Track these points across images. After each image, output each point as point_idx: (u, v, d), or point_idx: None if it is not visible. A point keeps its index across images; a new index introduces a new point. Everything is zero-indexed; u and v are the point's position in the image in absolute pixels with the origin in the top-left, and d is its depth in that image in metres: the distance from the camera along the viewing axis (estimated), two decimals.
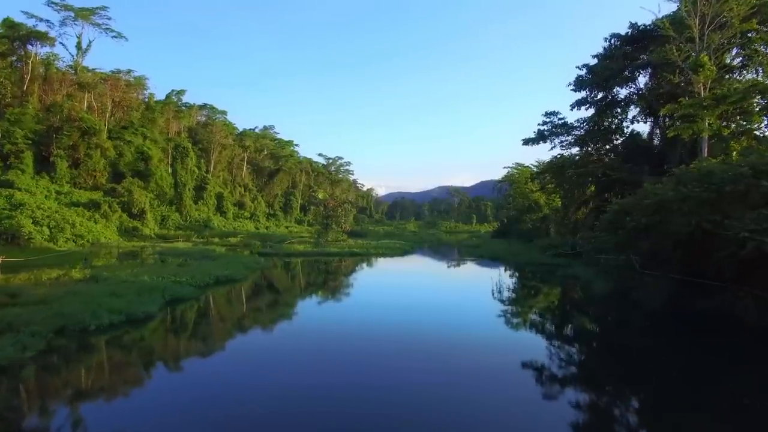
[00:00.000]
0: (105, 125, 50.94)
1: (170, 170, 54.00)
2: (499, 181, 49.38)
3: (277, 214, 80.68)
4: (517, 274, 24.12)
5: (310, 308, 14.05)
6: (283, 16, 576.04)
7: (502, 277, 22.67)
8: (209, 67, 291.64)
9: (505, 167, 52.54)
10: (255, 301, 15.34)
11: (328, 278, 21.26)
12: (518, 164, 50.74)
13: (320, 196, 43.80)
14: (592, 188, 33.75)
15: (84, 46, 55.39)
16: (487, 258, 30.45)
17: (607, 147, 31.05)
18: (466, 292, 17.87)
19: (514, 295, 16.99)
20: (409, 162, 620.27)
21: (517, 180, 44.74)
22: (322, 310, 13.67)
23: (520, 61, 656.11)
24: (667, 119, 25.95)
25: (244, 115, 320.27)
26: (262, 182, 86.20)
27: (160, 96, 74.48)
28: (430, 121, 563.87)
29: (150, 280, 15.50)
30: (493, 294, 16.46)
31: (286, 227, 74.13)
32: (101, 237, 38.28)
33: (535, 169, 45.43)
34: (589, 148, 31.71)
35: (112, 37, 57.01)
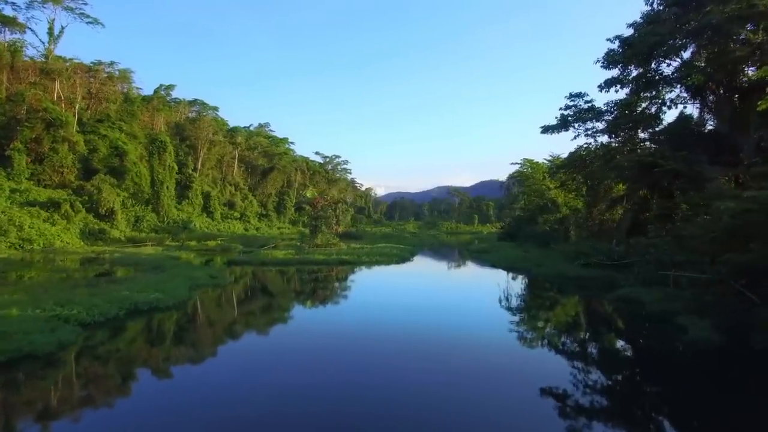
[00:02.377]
0: (75, 117, 45.41)
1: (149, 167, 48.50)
2: (512, 176, 43.58)
3: (270, 214, 75.15)
4: (550, 294, 18.63)
5: (247, 371, 8.49)
6: (282, 16, 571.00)
7: (532, 300, 17.20)
8: (208, 67, 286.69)
9: (513, 163, 46.90)
10: (155, 361, 8.92)
11: (294, 305, 15.62)
12: (528, 160, 45.09)
13: (308, 194, 38.18)
14: (621, 186, 28.36)
15: (56, 32, 49.98)
16: (502, 266, 24.93)
17: (643, 135, 25.53)
18: (495, 329, 12.31)
19: (564, 338, 11.52)
20: (408, 162, 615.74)
21: (530, 176, 39.10)
22: (267, 381, 8.14)
23: (520, 61, 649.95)
24: (722, 95, 20.45)
25: (243, 115, 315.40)
26: (255, 181, 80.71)
27: (149, 91, 69.36)
28: (430, 121, 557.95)
29: (17, 315, 10.06)
30: (535, 337, 11.00)
31: (279, 228, 68.67)
32: (57, 241, 32.84)
33: (548, 164, 39.89)
34: (621, 136, 26.21)
35: (87, 23, 51.54)
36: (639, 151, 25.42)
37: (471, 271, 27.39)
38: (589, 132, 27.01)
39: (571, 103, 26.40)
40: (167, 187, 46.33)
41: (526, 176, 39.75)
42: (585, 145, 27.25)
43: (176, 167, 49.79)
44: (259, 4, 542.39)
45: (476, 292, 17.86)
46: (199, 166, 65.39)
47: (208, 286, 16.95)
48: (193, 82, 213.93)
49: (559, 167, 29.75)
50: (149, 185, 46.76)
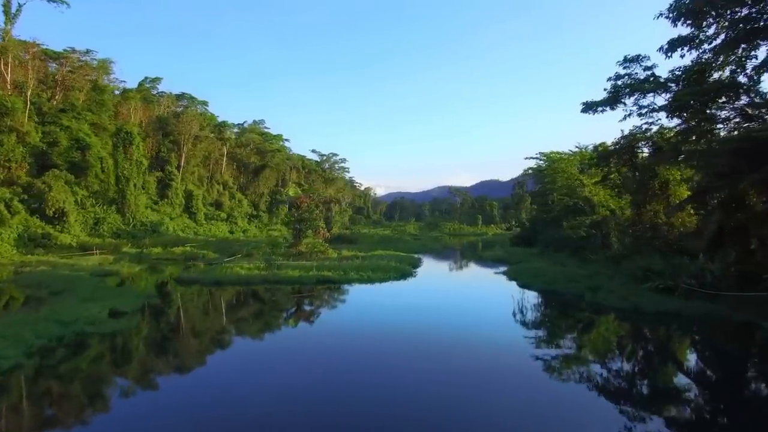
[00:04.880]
0: (27, 104, 38.61)
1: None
2: (537, 170, 36.26)
3: (261, 215, 68.38)
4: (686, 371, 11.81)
5: None
6: (283, 17, 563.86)
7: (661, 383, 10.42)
8: (208, 67, 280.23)
9: (528, 158, 39.77)
10: None
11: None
12: (552, 152, 38.00)
13: (291, 192, 31.28)
14: (676, 174, 21.72)
15: (13, 10, 43.13)
16: (536, 287, 18.00)
17: (723, 113, 18.64)
18: None
19: None
20: (408, 162, 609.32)
21: (560, 170, 31.92)
22: None
23: (521, 61, 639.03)
24: None
25: (243, 115, 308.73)
26: (247, 180, 73.97)
27: (132, 84, 62.70)
28: (431, 120, 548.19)
29: None
30: None
31: (269, 230, 61.88)
32: None
33: (572, 156, 32.97)
34: (687, 114, 19.33)
35: (49, 1, 44.71)
36: (717, 132, 18.71)
37: (495, 293, 20.46)
38: (645, 110, 20.14)
39: (625, 71, 19.52)
40: (134, 185, 39.49)
41: (554, 170, 32.73)
42: (644, 126, 20.35)
43: (146, 162, 42.89)
44: (261, 6, 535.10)
45: (521, 347, 11.09)
46: (182, 163, 58.66)
47: (82, 335, 10.09)
48: (193, 83, 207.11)
49: (603, 157, 22.81)
50: (116, 183, 39.97)
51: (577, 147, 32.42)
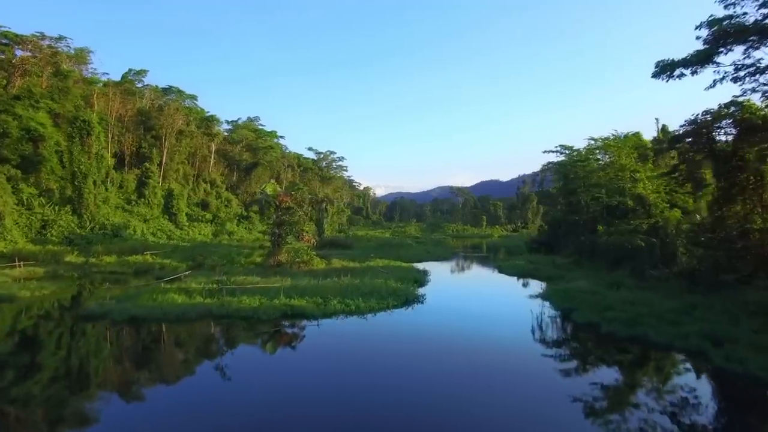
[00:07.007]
0: None
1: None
2: (568, 163, 29.20)
3: (252, 216, 61.98)
4: None
5: None
6: (284, 17, 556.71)
7: None
8: (209, 66, 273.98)
9: (546, 151, 33.47)
10: None
11: None
12: (566, 146, 31.71)
13: (269, 190, 24.87)
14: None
15: None
16: (611, 328, 11.65)
17: None
18: None
19: None
20: (408, 162, 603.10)
21: (594, 162, 25.14)
22: None
23: (522, 60, 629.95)
24: None
25: (242, 113, 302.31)
26: (238, 179, 67.72)
27: (116, 77, 56.57)
28: (431, 120, 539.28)
29: None
30: None
31: (260, 232, 55.57)
32: None
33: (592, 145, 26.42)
34: None
35: None
36: None
37: (544, 338, 14.07)
38: (747, 70, 13.74)
39: (726, 12, 13.17)
40: (94, 182, 33.12)
41: (595, 160, 26.01)
42: (751, 91, 13.93)
43: (108, 156, 36.60)
44: (263, 5, 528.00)
45: None
46: (165, 160, 52.38)
47: None
48: (194, 83, 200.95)
49: (675, 140, 16.44)
50: (72, 179, 33.62)
51: (613, 135, 26.05)
